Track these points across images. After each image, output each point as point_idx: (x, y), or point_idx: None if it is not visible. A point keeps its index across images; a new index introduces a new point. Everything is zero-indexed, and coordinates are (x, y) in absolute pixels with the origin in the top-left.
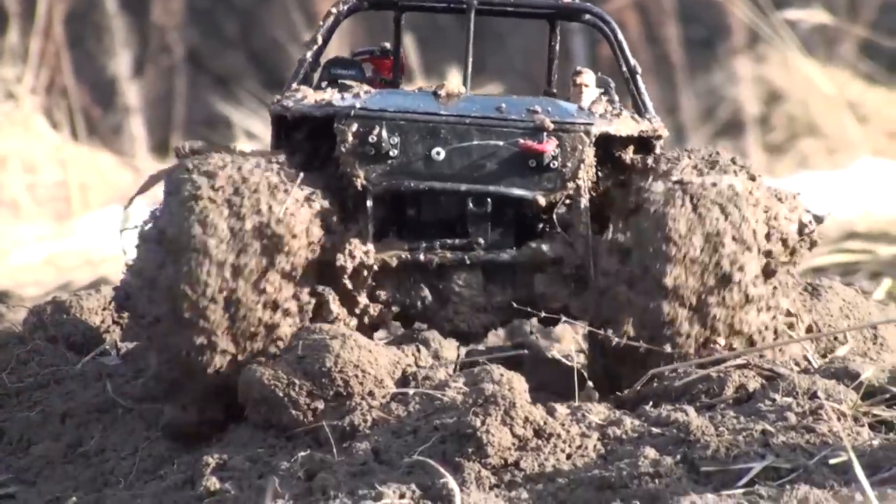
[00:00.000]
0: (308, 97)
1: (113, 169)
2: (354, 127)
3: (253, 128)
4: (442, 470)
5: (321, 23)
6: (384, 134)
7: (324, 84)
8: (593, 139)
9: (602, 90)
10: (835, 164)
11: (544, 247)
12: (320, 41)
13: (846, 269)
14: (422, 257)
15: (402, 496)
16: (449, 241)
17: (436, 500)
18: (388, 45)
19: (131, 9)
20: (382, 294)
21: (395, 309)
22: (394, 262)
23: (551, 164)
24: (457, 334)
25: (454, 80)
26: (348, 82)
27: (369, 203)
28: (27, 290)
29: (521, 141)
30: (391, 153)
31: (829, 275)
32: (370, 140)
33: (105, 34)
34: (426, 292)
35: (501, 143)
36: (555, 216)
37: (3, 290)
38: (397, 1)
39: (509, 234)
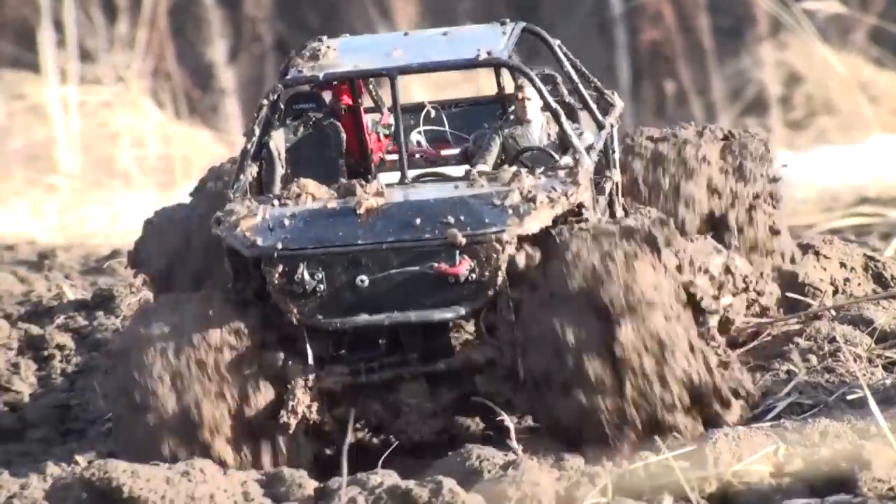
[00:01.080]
0: (240, 221)
1: (211, 144)
2: (280, 268)
3: None
4: None
5: (255, 114)
6: (306, 275)
7: (288, 121)
8: (506, 246)
9: (549, 87)
10: (849, 139)
11: (474, 355)
12: (257, 132)
13: (860, 230)
14: (363, 379)
15: None
16: (387, 359)
17: None
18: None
19: (226, 2)
20: (338, 411)
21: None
22: (338, 388)
23: (469, 278)
24: (412, 442)
25: (371, 191)
26: (310, 114)
27: (305, 335)
28: None
29: (436, 265)
30: (318, 288)
31: (844, 235)
32: (296, 279)
33: (203, 25)
34: (377, 406)
35: (418, 267)
36: (481, 322)
37: (116, 248)
38: (323, 80)
39: (443, 342)
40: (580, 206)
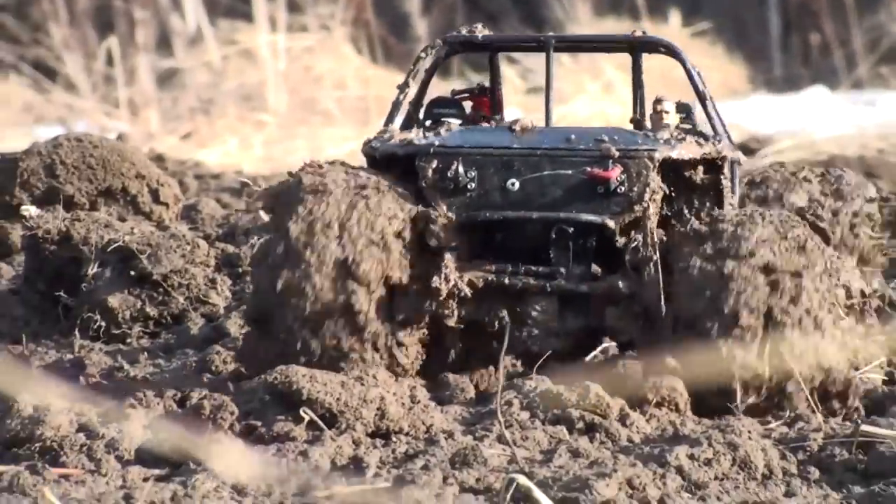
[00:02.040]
0: (394, 137)
1: None
2: (434, 163)
3: (512, 54)
4: None
5: (411, 66)
6: (461, 169)
7: (427, 122)
8: (657, 164)
9: (683, 115)
10: None
11: (619, 283)
12: (410, 84)
13: None
14: (506, 281)
15: None
16: (533, 267)
17: None
18: (486, 83)
19: None
20: (462, 312)
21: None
22: (480, 283)
23: (618, 190)
24: (527, 355)
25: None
26: (449, 120)
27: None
28: None
29: (589, 169)
30: (469, 186)
31: None
32: (449, 175)
33: None
34: (504, 314)
35: (570, 171)
36: (627, 256)
37: None
38: (481, 42)
39: (589, 265)
40: (723, 160)
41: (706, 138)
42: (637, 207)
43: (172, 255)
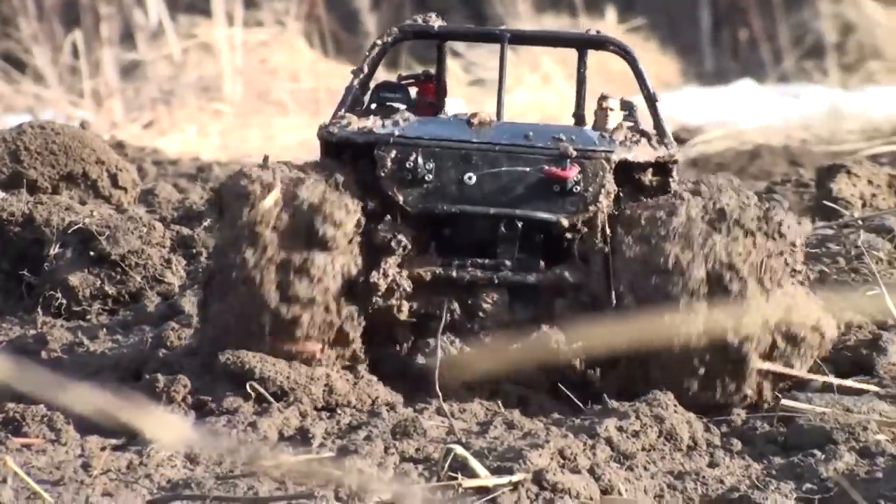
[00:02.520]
0: (352, 124)
1: None
2: (393, 153)
3: (456, 47)
4: None
5: (367, 52)
6: (420, 160)
7: (373, 106)
8: (613, 165)
9: (626, 112)
10: (893, 80)
11: (566, 273)
12: (366, 70)
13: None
14: (454, 274)
15: None
16: (479, 260)
17: None
18: (432, 70)
19: None
20: (413, 305)
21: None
22: (427, 277)
23: (574, 189)
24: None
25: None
26: (395, 104)
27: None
28: None
29: (546, 167)
30: (426, 178)
31: (880, 160)
32: (407, 165)
33: None
34: (455, 306)
35: (528, 169)
36: (575, 246)
37: None
38: (437, 32)
39: (535, 257)
40: (674, 163)
41: (649, 137)
42: (592, 207)
43: (130, 237)
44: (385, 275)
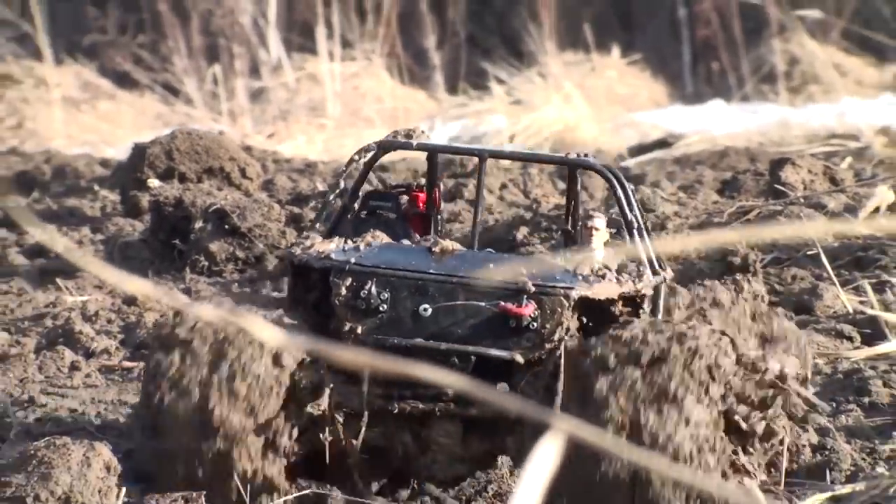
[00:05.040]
0: (314, 246)
1: (423, 101)
2: (348, 281)
3: (499, 75)
4: None
5: (344, 168)
6: (374, 290)
7: (363, 214)
8: (573, 302)
9: (614, 230)
10: (828, 100)
11: (508, 408)
12: (342, 185)
13: (828, 154)
14: (394, 407)
15: None
16: (421, 391)
17: None
18: (423, 180)
19: (435, 8)
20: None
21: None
22: (365, 409)
23: (530, 326)
24: (431, 481)
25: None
26: (384, 213)
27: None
28: None
29: (502, 304)
30: (380, 308)
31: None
32: (362, 294)
33: (420, 23)
34: (407, 439)
35: (484, 304)
36: (529, 376)
37: None
38: (416, 147)
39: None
40: (642, 297)
41: (623, 269)
42: (548, 344)
43: (255, 215)
44: (323, 413)
